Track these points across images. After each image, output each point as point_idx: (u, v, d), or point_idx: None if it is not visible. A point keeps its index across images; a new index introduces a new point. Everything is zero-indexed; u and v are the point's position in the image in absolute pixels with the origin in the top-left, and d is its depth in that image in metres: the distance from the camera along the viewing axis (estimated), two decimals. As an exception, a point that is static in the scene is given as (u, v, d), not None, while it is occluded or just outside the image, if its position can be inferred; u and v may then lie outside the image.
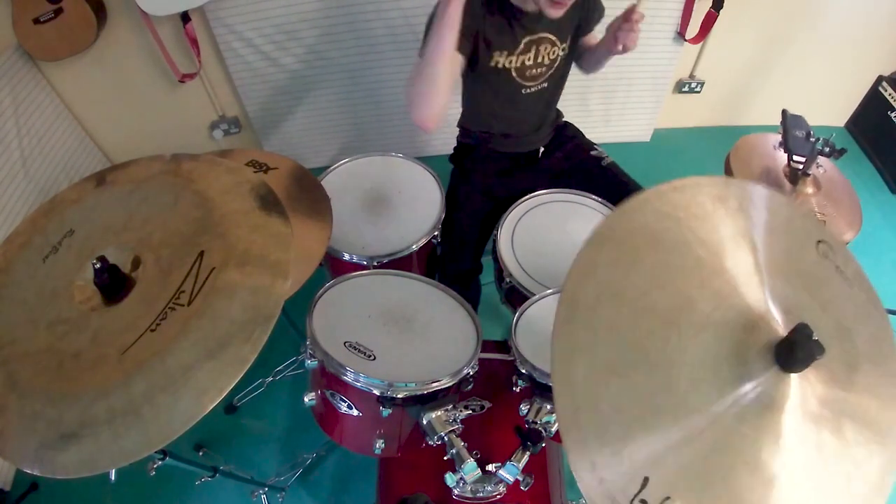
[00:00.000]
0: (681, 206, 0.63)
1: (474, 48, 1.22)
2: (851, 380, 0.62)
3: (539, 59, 1.27)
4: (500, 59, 1.25)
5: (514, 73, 1.28)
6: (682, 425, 0.53)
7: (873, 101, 2.48)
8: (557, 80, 1.39)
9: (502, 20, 1.21)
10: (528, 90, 1.33)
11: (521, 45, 1.24)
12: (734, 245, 0.63)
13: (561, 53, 1.30)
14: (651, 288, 0.59)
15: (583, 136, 1.52)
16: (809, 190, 1.21)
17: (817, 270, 0.67)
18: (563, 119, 1.53)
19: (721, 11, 2.02)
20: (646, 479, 0.50)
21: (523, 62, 1.26)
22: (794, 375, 0.56)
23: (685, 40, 2.14)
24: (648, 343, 0.56)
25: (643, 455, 0.51)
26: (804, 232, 0.69)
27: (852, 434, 0.59)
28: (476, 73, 1.30)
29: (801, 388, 0.57)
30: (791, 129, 1.20)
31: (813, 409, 0.57)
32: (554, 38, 1.26)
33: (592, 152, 1.45)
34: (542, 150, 1.52)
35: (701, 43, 2.20)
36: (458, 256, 1.35)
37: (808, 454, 0.56)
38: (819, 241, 0.69)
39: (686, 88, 2.42)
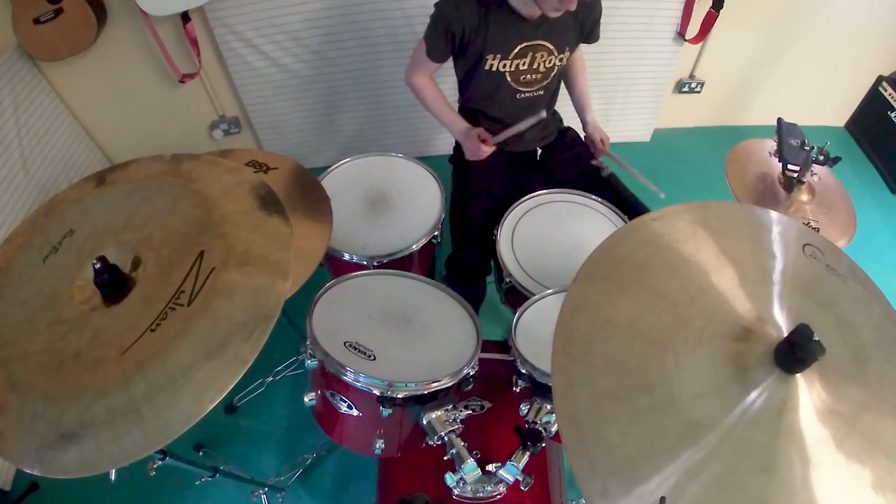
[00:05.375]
0: (662, 233, 0.66)
1: (463, 49, 1.25)
2: (862, 371, 0.62)
3: (535, 66, 1.28)
4: (494, 63, 1.26)
5: (508, 78, 1.29)
6: (691, 441, 0.53)
7: (873, 101, 2.48)
8: (554, 89, 1.41)
9: (500, 24, 1.21)
10: (523, 95, 1.34)
11: (516, 50, 1.24)
12: (718, 262, 0.65)
13: (558, 63, 1.31)
14: (643, 312, 0.60)
15: (583, 144, 1.50)
16: (804, 197, 1.21)
17: (808, 272, 0.68)
18: (565, 124, 1.53)
19: (721, 11, 2.02)
20: (662, 500, 0.50)
21: (517, 66, 1.27)
22: (799, 376, 0.56)
23: (685, 40, 2.13)
24: (645, 365, 0.57)
25: (657, 474, 0.51)
26: (788, 239, 0.70)
27: (876, 426, 0.58)
28: (470, 74, 1.31)
29: (809, 388, 0.57)
30: (786, 137, 1.21)
31: (827, 406, 0.57)
32: (551, 46, 1.26)
33: (593, 162, 1.44)
34: (539, 151, 1.51)
35: (701, 43, 2.20)
36: (466, 256, 1.35)
37: (829, 453, 0.55)
38: (805, 245, 0.70)
39: (686, 88, 2.42)
